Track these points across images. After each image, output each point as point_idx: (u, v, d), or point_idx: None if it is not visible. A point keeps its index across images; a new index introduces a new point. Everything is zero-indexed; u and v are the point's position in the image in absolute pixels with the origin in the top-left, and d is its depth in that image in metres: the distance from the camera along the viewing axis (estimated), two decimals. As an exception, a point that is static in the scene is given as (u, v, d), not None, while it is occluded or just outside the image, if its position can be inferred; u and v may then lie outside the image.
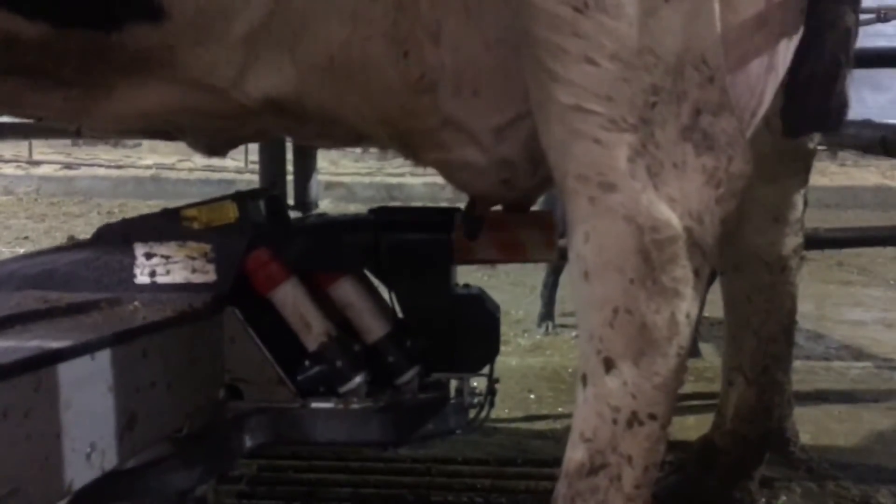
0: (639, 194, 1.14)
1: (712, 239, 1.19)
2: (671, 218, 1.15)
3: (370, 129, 1.44)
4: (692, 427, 2.44)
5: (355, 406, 1.58)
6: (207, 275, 1.57)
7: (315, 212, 2.85)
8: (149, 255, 1.56)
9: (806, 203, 1.90)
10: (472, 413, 1.68)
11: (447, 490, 2.08)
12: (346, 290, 1.65)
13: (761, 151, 1.35)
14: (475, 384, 1.72)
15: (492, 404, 1.72)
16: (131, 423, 1.19)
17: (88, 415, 1.07)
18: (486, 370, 1.70)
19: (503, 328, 4.04)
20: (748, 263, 1.88)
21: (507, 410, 2.83)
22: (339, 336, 1.61)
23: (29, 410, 0.95)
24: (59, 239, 6.47)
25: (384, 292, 1.70)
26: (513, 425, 2.72)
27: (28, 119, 1.57)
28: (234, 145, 1.62)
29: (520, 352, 3.80)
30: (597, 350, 1.19)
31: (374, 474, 2.16)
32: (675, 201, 1.15)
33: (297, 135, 1.84)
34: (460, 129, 1.37)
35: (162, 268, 1.56)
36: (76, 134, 1.60)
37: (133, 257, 1.56)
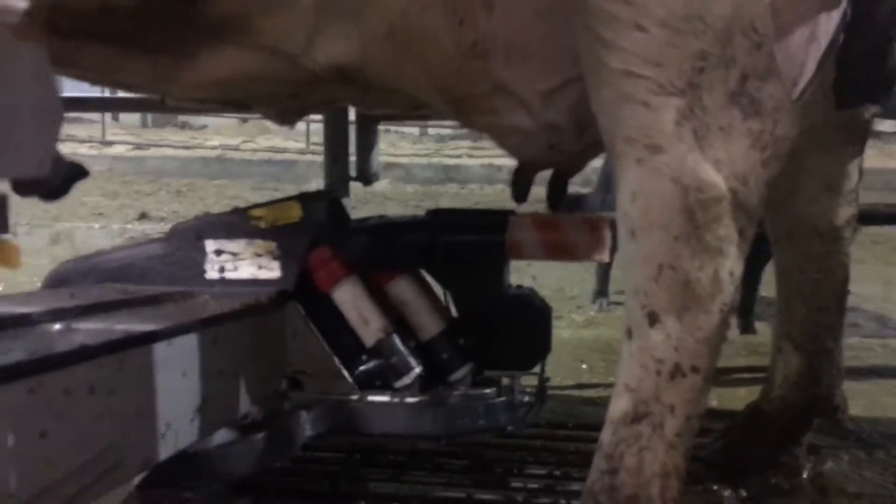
0: (685, 156, 1.18)
1: (757, 200, 1.22)
2: (716, 179, 1.18)
3: (427, 95, 1.51)
4: (742, 398, 2.43)
5: (409, 400, 1.64)
6: (272, 271, 1.65)
7: (374, 189, 2.86)
8: (219, 252, 1.65)
9: (861, 174, 1.86)
10: (522, 410, 1.72)
11: (500, 449, 2.11)
12: (402, 289, 1.72)
13: (815, 121, 1.39)
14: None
15: (542, 402, 1.76)
16: (202, 407, 1.27)
17: (165, 395, 1.16)
18: (536, 369, 1.74)
19: (558, 304, 4.13)
20: (800, 232, 1.86)
21: (559, 379, 2.89)
22: (396, 332, 1.67)
23: (112, 389, 1.04)
24: (131, 216, 6.80)
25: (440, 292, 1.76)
26: (564, 392, 2.77)
27: (117, 87, 1.65)
28: (304, 114, 1.70)
29: (573, 326, 3.84)
30: (641, 304, 1.23)
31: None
32: (720, 163, 1.19)
33: (360, 103, 1.92)
34: (510, 94, 1.43)
35: (230, 264, 1.65)
36: (161, 102, 1.69)
37: (204, 254, 1.65)
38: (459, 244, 1.70)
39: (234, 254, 1.65)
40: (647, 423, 1.25)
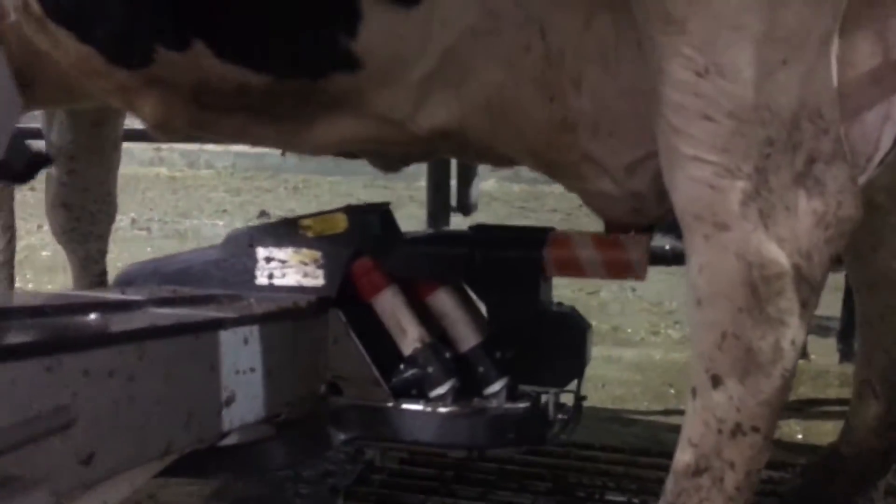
0: (749, 234, 1.28)
1: (821, 274, 1.32)
2: (779, 256, 1.28)
3: (520, 157, 1.66)
4: (828, 433, 2.48)
5: (443, 410, 1.67)
6: (317, 279, 1.73)
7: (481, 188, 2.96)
8: (268, 259, 1.75)
9: None
10: (555, 427, 1.72)
11: (582, 473, 2.21)
12: (442, 301, 1.76)
13: None
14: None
15: (577, 421, 1.76)
16: (229, 401, 1.35)
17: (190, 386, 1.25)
18: (573, 385, 1.75)
19: (655, 318, 4.05)
20: (882, 284, 1.94)
21: (646, 403, 2.93)
22: (433, 343, 1.71)
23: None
24: (252, 213, 7.11)
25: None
26: (650, 418, 2.79)
27: (247, 145, 1.91)
28: (408, 164, 1.89)
29: (667, 344, 3.79)
30: (706, 368, 1.34)
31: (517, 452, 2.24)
32: (784, 241, 1.28)
33: (459, 157, 2.18)
34: (597, 164, 1.55)
35: (279, 271, 1.74)
36: (282, 155, 1.92)
37: (255, 260, 1.75)
38: (497, 259, 1.73)
39: (282, 261, 1.74)
40: (708, 476, 1.36)
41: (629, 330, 4.03)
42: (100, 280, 2.60)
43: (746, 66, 1.25)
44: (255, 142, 1.84)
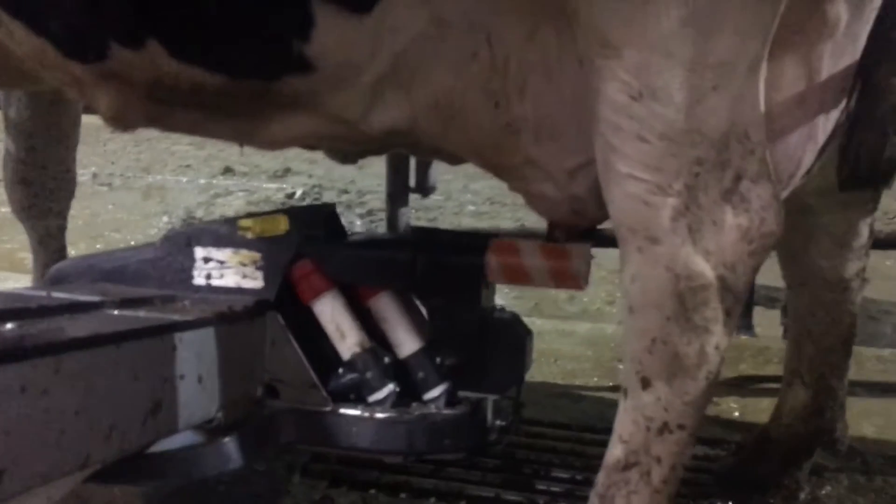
0: (678, 248, 1.36)
1: (744, 285, 1.40)
2: (705, 269, 1.36)
3: (468, 157, 1.71)
4: (764, 409, 2.54)
5: (380, 415, 1.67)
6: (256, 281, 1.71)
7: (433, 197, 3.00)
8: (206, 259, 1.72)
9: (872, 231, 2.03)
10: (492, 434, 1.72)
11: (530, 449, 2.27)
12: (383, 305, 1.75)
13: (829, 182, 1.54)
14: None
15: (516, 429, 1.76)
16: (155, 409, 1.33)
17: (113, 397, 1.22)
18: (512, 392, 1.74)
19: (611, 287, 4.07)
20: (812, 281, 2.04)
21: (595, 378, 2.97)
22: (373, 348, 1.71)
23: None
24: (217, 168, 7.04)
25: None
26: (598, 394, 2.84)
27: (203, 138, 1.95)
28: (363, 156, 1.92)
29: (618, 317, 3.81)
30: (636, 370, 1.43)
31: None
32: (710, 254, 1.36)
33: (411, 153, 2.26)
34: (539, 168, 1.59)
35: (217, 272, 1.71)
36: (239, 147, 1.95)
37: (193, 260, 1.72)
38: (440, 265, 1.71)
39: (220, 262, 1.71)
40: (637, 470, 1.46)
41: (585, 299, 4.06)
42: (59, 256, 2.59)
43: (678, 91, 1.30)
44: (211, 136, 1.84)
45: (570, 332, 3.51)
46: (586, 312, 3.94)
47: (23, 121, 2.37)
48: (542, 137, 1.55)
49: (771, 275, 2.13)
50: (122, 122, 1.77)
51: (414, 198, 3.07)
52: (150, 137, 8.42)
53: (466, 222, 5.52)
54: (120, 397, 1.25)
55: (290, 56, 1.53)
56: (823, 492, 2.17)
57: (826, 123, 1.46)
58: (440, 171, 2.95)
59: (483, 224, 5.61)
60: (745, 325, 3.50)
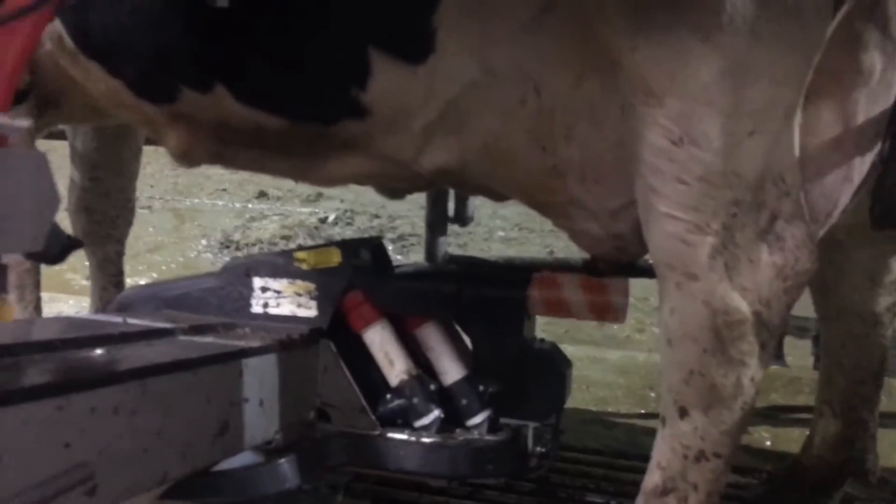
0: (715, 284, 1.42)
1: (779, 320, 1.47)
2: (741, 304, 1.42)
3: (514, 195, 1.80)
4: (796, 440, 2.60)
5: (426, 440, 1.75)
6: (310, 310, 1.80)
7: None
8: (264, 289, 1.82)
9: None
10: (532, 460, 1.80)
11: (564, 474, 2.34)
12: (429, 335, 1.83)
13: (861, 220, 1.58)
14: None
15: (556, 455, 1.83)
16: (223, 430, 1.42)
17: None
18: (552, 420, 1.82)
19: (640, 315, 4.14)
20: (844, 315, 2.11)
21: (627, 406, 3.05)
22: (419, 375, 1.79)
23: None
24: (251, 192, 7.19)
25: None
26: (630, 421, 2.92)
27: (264, 174, 2.09)
28: (412, 192, 2.04)
29: (651, 342, 3.91)
30: (674, 400, 1.50)
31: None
32: (747, 290, 1.42)
33: (459, 190, 2.44)
34: (583, 208, 1.66)
35: (273, 301, 1.82)
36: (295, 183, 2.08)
37: (251, 289, 1.82)
38: (483, 298, 1.80)
39: (277, 291, 1.81)
40: (674, 496, 1.52)
41: (615, 327, 4.12)
42: (116, 280, 2.73)
43: (716, 136, 1.37)
44: (270, 173, 1.97)
45: (601, 359, 3.58)
46: (616, 340, 4.01)
47: (88, 152, 2.52)
48: (586, 179, 1.63)
49: (802, 305, 2.18)
50: (188, 158, 1.90)
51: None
52: (187, 162, 8.69)
53: (496, 248, 5.60)
54: (194, 418, 1.35)
55: (347, 102, 1.63)
56: (856, 521, 2.20)
57: (862, 165, 1.50)
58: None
59: (512, 250, 5.69)
60: (777, 354, 3.53)
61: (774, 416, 2.97)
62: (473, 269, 1.88)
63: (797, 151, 1.40)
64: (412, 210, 5.70)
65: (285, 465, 1.66)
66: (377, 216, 6.49)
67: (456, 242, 5.61)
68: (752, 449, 2.69)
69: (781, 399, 3.12)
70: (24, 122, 0.79)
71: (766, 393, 3.21)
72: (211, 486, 1.54)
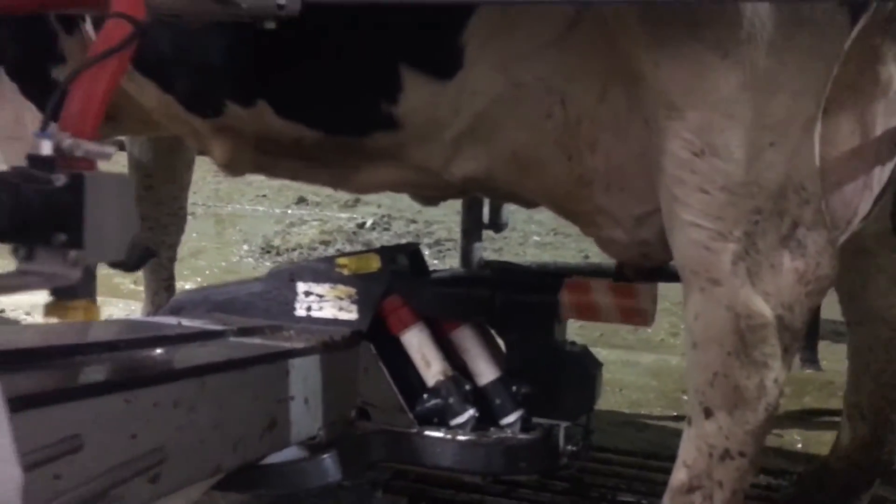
0: (738, 289, 1.46)
1: (801, 323, 1.51)
2: (764, 309, 1.46)
3: (542, 203, 1.87)
4: (826, 442, 2.62)
5: (462, 438, 1.83)
6: (351, 314, 1.90)
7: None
8: (307, 293, 1.92)
9: None
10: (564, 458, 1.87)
11: (597, 474, 2.41)
12: (464, 337, 1.91)
13: (885, 227, 1.65)
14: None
15: (587, 453, 1.90)
16: (271, 426, 1.52)
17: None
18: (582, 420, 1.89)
19: (675, 319, 4.20)
20: (870, 319, 2.13)
21: (659, 408, 3.09)
22: (455, 376, 1.87)
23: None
24: (291, 198, 7.28)
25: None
26: (662, 423, 2.96)
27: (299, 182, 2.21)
28: (444, 199, 2.15)
29: (682, 349, 3.88)
30: (699, 401, 1.54)
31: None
32: (769, 295, 1.47)
33: (488, 197, 2.49)
34: (609, 215, 1.72)
35: (316, 304, 1.91)
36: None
37: (295, 294, 1.92)
38: (516, 302, 1.88)
39: (319, 296, 1.91)
40: (700, 494, 1.56)
41: (649, 331, 4.15)
42: (168, 284, 2.86)
43: (737, 147, 1.41)
44: (308, 181, 2.08)
45: (635, 362, 3.62)
46: (650, 343, 4.04)
47: (144, 161, 2.65)
48: (611, 188, 1.68)
49: (837, 309, 2.21)
50: (232, 168, 2.01)
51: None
52: (228, 169, 8.88)
53: (531, 252, 5.65)
54: (245, 414, 1.45)
55: (379, 115, 1.70)
56: (884, 521, 2.22)
57: (881, 174, 1.54)
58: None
59: (547, 255, 5.73)
60: (811, 358, 3.56)
61: (807, 419, 3.00)
62: (507, 275, 1.96)
63: (818, 161, 1.43)
64: (448, 216, 5.77)
65: (328, 460, 1.75)
66: (414, 221, 6.58)
67: (491, 248, 5.67)
68: (784, 451, 2.74)
69: (814, 402, 3.14)
70: (111, 149, 0.89)
71: (799, 396, 3.25)
72: (259, 478, 1.63)
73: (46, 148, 0.83)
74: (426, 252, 5.74)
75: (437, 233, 6.05)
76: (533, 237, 5.98)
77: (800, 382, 3.38)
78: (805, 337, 3.43)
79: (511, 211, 3.05)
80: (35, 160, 0.83)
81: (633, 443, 2.67)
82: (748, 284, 1.47)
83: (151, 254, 1.84)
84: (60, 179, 0.83)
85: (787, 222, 1.46)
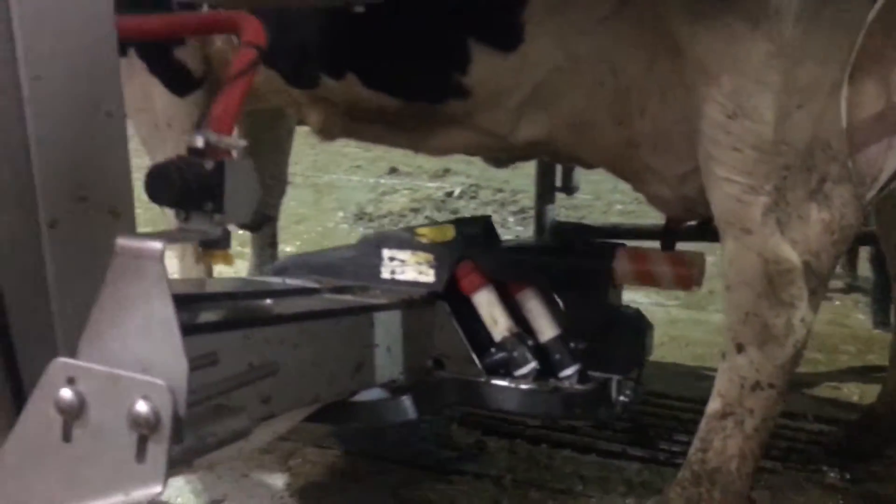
0: (768, 238, 1.61)
1: (828, 269, 1.66)
2: (791, 255, 1.61)
3: (598, 163, 2.04)
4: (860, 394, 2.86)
5: (524, 387, 2.07)
6: (428, 277, 2.16)
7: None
8: (391, 259, 2.20)
9: None
10: (616, 407, 2.09)
11: (657, 418, 2.62)
12: (528, 298, 2.14)
13: None
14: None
15: (635, 402, 2.12)
16: (359, 368, 1.81)
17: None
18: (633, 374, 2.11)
19: None
20: None
21: (713, 360, 3.15)
22: (519, 333, 2.10)
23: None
24: (383, 168, 7.57)
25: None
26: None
27: (386, 146, 2.45)
28: (513, 162, 2.37)
29: None
30: (732, 337, 1.69)
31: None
32: (797, 243, 1.61)
33: (551, 160, 2.70)
34: (656, 173, 1.88)
35: (399, 268, 2.19)
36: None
37: (381, 259, 2.20)
38: (575, 268, 2.11)
39: (402, 261, 2.18)
40: (732, 419, 1.71)
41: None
42: (271, 242, 3.18)
43: (767, 110, 1.55)
44: (390, 145, 2.32)
45: (705, 321, 3.74)
46: (721, 303, 4.10)
47: (249, 130, 2.91)
48: (658, 149, 1.83)
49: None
50: (326, 133, 2.28)
51: (565, 197, 3.47)
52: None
53: (614, 220, 5.75)
54: (337, 355, 1.74)
55: (451, 85, 1.91)
56: (927, 463, 2.33)
57: None
58: (591, 173, 3.31)
59: (630, 223, 5.81)
60: (884, 321, 3.61)
61: (867, 374, 3.10)
62: (568, 244, 2.18)
63: (844, 122, 1.53)
64: (533, 185, 5.91)
65: (406, 400, 2.03)
66: (500, 190, 6.73)
67: (576, 215, 5.78)
68: (839, 402, 2.87)
69: (877, 360, 3.20)
70: (243, 142, 1.18)
71: (863, 354, 3.35)
72: (348, 412, 1.93)
73: (200, 142, 1.13)
74: (510, 219, 5.95)
75: (522, 201, 6.20)
76: (616, 206, 6.08)
77: (866, 342, 3.46)
78: (879, 299, 3.56)
79: (596, 181, 3.20)
80: (192, 150, 1.14)
81: (691, 391, 2.80)
82: (777, 233, 1.60)
83: (268, 218, 2.14)
84: (209, 164, 1.13)
85: (815, 178, 1.58)
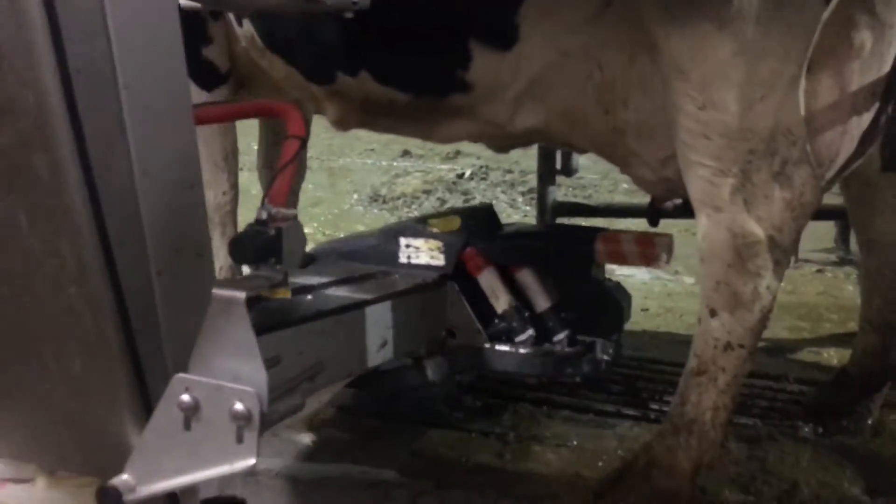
0: (736, 215, 1.78)
1: (790, 242, 1.81)
2: (756, 230, 1.78)
3: (589, 149, 2.26)
4: (839, 358, 3.01)
5: (523, 351, 2.43)
6: (439, 261, 2.50)
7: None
8: (408, 246, 2.56)
9: None
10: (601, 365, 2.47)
11: (650, 381, 2.84)
12: (525, 277, 2.48)
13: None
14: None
15: (617, 361, 2.51)
16: (384, 343, 2.20)
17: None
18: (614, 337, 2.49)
19: None
20: (878, 244, 2.41)
21: None
22: (518, 306, 2.44)
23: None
24: (396, 151, 7.68)
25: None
26: None
27: (398, 135, 2.66)
28: (513, 148, 2.50)
29: None
30: (706, 304, 1.87)
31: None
32: (762, 219, 1.78)
33: (548, 145, 2.93)
34: (639, 158, 2.08)
35: (414, 254, 2.54)
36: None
37: (398, 246, 2.55)
38: (564, 250, 2.48)
39: (416, 248, 2.54)
40: (706, 377, 1.89)
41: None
42: None
43: (732, 101, 1.70)
44: (401, 134, 2.54)
45: (699, 293, 4.02)
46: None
47: (272, 120, 3.15)
48: (641, 136, 1.98)
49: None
50: (342, 124, 2.52)
51: (575, 177, 3.70)
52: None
53: (619, 199, 5.88)
54: (366, 337, 2.12)
55: (454, 80, 2.06)
56: (890, 418, 2.55)
57: (859, 122, 1.77)
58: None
59: (635, 201, 5.95)
60: None
61: (846, 340, 3.27)
62: (557, 231, 2.53)
63: (802, 111, 1.68)
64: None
65: (425, 367, 2.44)
66: (510, 171, 6.89)
67: (582, 195, 6.02)
68: (820, 365, 3.10)
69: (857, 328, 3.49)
70: (294, 212, 1.54)
71: (844, 322, 3.57)
72: (372, 379, 2.32)
73: (265, 215, 1.52)
74: (519, 199, 6.24)
75: (531, 182, 6.32)
76: (622, 185, 6.23)
77: (852, 310, 3.60)
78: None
79: (603, 161, 3.45)
80: (260, 220, 1.52)
81: (683, 357, 3.07)
82: (744, 211, 1.76)
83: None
84: (272, 231, 1.50)
85: (778, 161, 1.72)
